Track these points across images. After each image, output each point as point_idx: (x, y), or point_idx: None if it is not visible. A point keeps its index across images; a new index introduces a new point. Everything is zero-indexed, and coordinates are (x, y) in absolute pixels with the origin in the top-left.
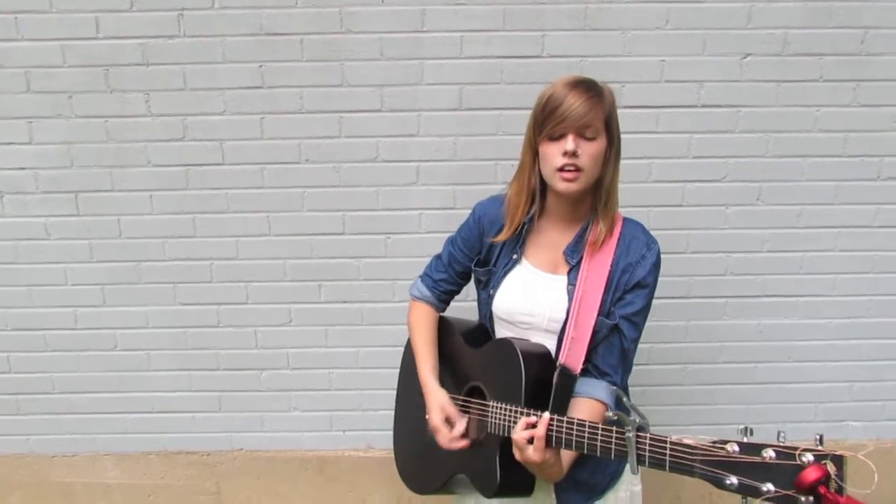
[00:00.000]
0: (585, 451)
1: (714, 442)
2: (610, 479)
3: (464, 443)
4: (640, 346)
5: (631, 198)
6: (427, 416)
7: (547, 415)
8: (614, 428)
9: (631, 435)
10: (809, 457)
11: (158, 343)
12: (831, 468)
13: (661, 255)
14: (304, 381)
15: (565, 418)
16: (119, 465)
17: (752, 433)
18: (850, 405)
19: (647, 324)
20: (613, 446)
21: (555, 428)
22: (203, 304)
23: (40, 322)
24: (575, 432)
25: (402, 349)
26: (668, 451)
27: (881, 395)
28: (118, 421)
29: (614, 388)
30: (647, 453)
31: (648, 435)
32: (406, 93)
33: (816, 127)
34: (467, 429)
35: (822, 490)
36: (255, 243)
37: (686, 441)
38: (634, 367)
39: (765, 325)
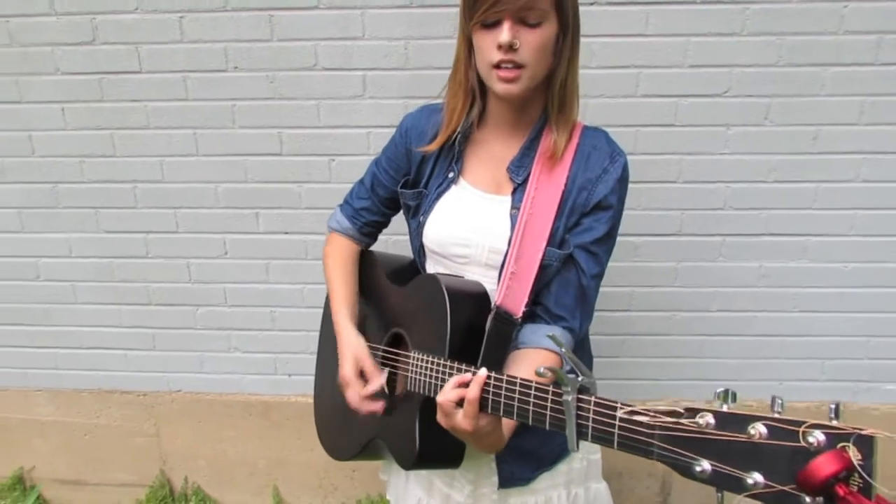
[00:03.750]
0: (530, 422)
1: (683, 410)
2: (562, 448)
3: (377, 405)
4: (620, 290)
5: (614, 115)
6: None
7: (483, 371)
8: (551, 389)
9: (570, 398)
10: (819, 436)
11: (84, 274)
12: (854, 454)
13: (649, 185)
14: (243, 320)
15: (504, 376)
16: (53, 402)
17: (734, 399)
18: (864, 363)
19: (630, 264)
20: (549, 413)
21: (492, 389)
22: (129, 233)
23: None
24: (505, 393)
25: None
26: (616, 423)
27: None
28: (48, 356)
29: (568, 334)
30: (589, 423)
31: (593, 399)
32: None
33: (842, 28)
34: (392, 386)
35: (840, 490)
36: (181, 164)
37: (641, 410)
38: (613, 315)
39: (767, 268)
